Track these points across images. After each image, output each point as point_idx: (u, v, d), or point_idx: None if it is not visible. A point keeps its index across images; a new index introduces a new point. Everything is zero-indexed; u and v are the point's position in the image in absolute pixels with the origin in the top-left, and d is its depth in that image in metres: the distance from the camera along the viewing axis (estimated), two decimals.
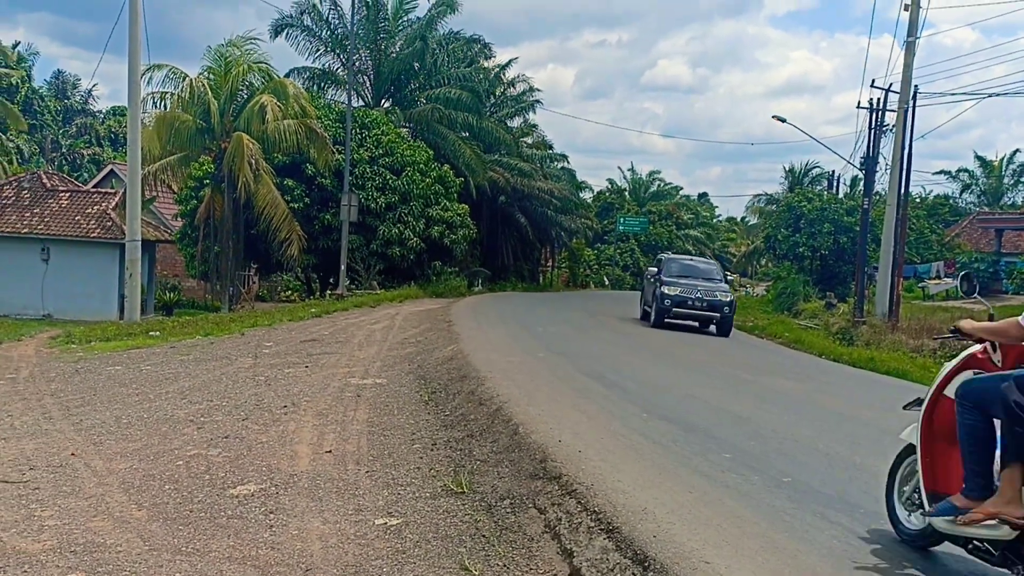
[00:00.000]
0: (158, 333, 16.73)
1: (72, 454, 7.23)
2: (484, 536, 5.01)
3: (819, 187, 51.23)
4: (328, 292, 29.33)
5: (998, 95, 33.28)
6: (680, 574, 3.88)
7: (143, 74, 22.89)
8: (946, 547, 4.53)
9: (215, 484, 6.24)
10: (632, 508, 4.78)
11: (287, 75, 33.02)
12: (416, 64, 36.15)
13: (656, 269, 21.68)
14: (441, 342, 13.45)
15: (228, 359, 12.76)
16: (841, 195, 42.96)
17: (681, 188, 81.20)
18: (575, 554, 4.42)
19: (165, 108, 26.05)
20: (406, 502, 5.73)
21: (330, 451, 7.15)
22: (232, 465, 6.75)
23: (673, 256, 26.14)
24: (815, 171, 57.38)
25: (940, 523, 4.16)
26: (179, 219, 31.92)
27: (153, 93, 25.85)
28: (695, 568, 3.94)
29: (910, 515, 4.69)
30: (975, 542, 4.05)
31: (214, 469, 6.64)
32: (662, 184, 75.56)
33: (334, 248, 28.81)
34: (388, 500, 5.79)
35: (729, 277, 24.74)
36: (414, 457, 6.90)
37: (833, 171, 49.29)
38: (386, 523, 5.29)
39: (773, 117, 33.68)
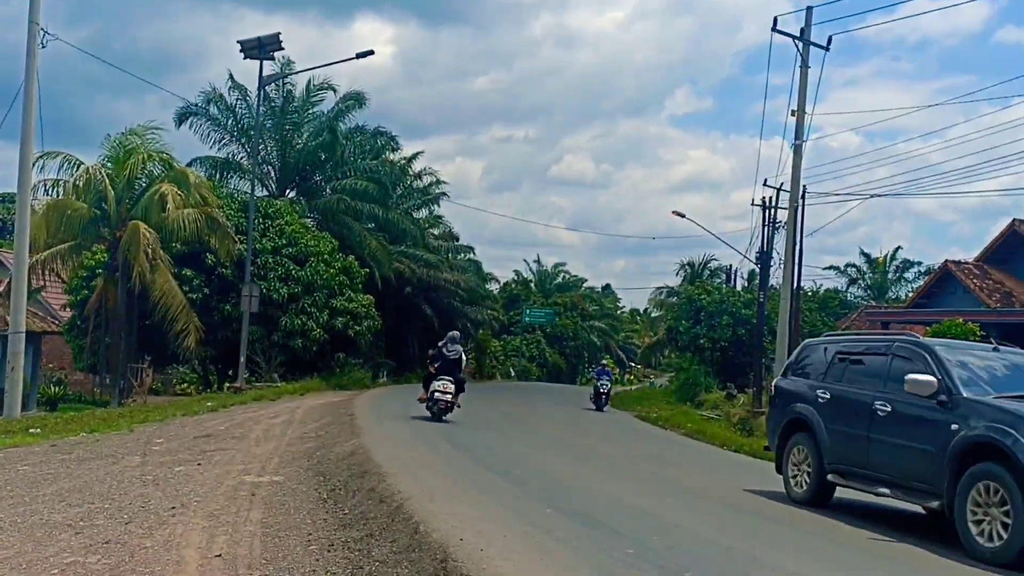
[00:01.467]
0: (39, 430, 15.80)
1: None
2: None
3: (718, 280, 53.01)
4: (227, 385, 28.41)
5: (881, 195, 35.49)
6: None
7: (35, 161, 22.23)
8: None
9: None
10: None
11: (190, 164, 32.66)
12: (322, 155, 36.34)
13: None
14: (342, 436, 13.12)
15: (114, 457, 12.10)
16: (739, 288, 44.54)
17: (586, 280, 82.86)
18: None
19: (58, 195, 25.24)
20: None
21: (220, 555, 6.78)
22: (111, 573, 6.31)
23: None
24: (714, 263, 59.45)
25: None
26: (68, 309, 30.66)
27: (45, 180, 25.07)
28: None
29: None
30: None
31: None
32: (567, 276, 76.98)
33: (233, 339, 28.06)
34: None
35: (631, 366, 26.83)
36: (310, 559, 6.60)
37: (731, 265, 51.19)
38: None
39: (673, 212, 34.99)
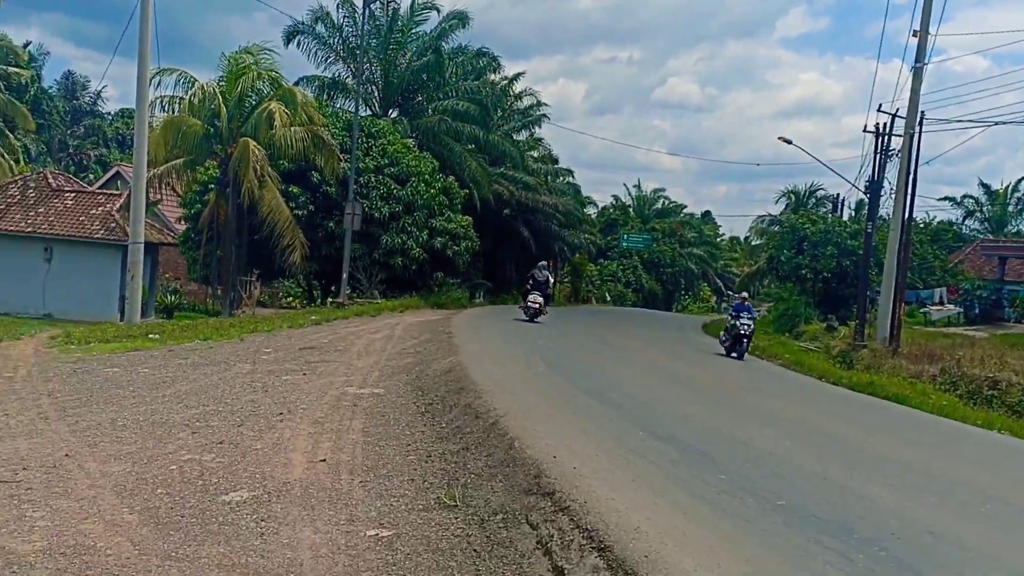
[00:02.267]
0: (157, 336, 16.72)
1: (66, 455, 7.21)
2: (475, 551, 4.98)
3: (823, 209, 51.24)
4: (329, 300, 29.34)
5: (1006, 123, 33.35)
6: None
7: (152, 78, 22.99)
8: None
9: (208, 490, 6.22)
10: (625, 527, 4.75)
11: (296, 83, 33.15)
12: (425, 75, 36.30)
13: None
14: (440, 354, 13.43)
15: (226, 364, 12.74)
16: (845, 218, 42.95)
17: (686, 206, 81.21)
18: (566, 572, 4.40)
19: (174, 112, 26.16)
20: (399, 514, 5.71)
21: (324, 460, 7.13)
22: (225, 471, 6.73)
23: None
24: (820, 192, 57.40)
25: None
26: (183, 222, 31.97)
27: (162, 97, 26.01)
28: None
29: None
30: None
31: (207, 474, 6.62)
32: (667, 202, 75.60)
33: (336, 256, 28.82)
34: (381, 511, 5.76)
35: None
36: (408, 468, 6.87)
37: (838, 194, 49.21)
38: (378, 534, 5.26)
39: (779, 139, 33.77)
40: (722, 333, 21.43)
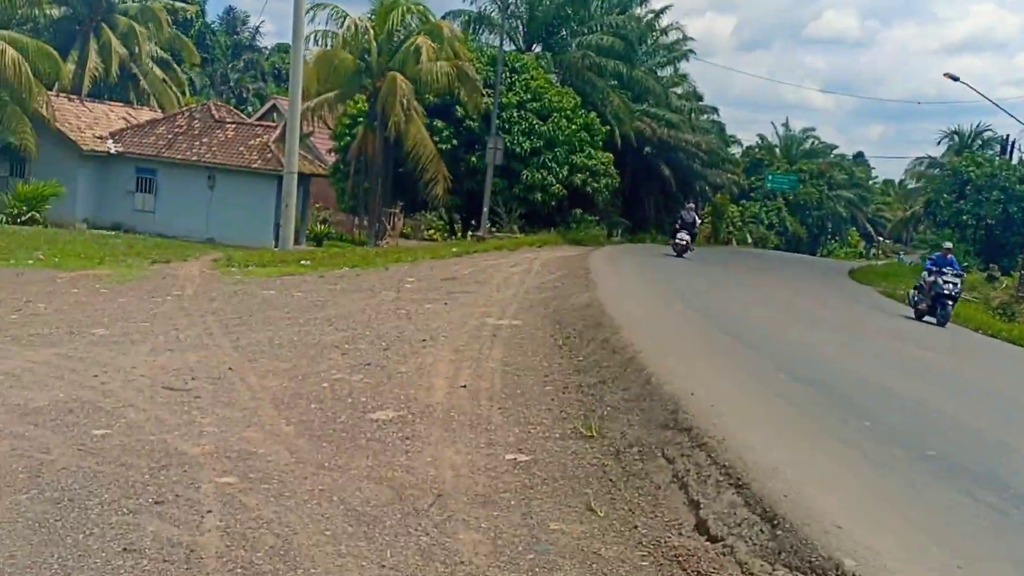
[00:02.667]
0: (309, 262, 17.55)
1: (229, 369, 7.75)
2: (611, 480, 5.07)
3: (990, 152, 47.63)
4: (469, 233, 29.89)
5: None
6: (811, 536, 3.82)
7: (307, 12, 23.68)
8: None
9: (357, 407, 6.56)
10: (763, 466, 4.71)
11: (443, 17, 33.42)
12: (569, 10, 35.79)
13: None
14: (578, 289, 13.49)
15: (372, 291, 13.26)
16: (1015, 161, 39.79)
17: (836, 147, 77.32)
18: (702, 506, 4.42)
19: (327, 46, 26.98)
20: (536, 441, 5.86)
21: (465, 386, 7.36)
22: (373, 391, 7.07)
23: None
24: (987, 134, 53.29)
25: None
26: (333, 154, 33.11)
27: (316, 31, 26.82)
28: (827, 531, 3.87)
29: None
30: None
31: (356, 393, 6.97)
32: (816, 142, 72.12)
33: (477, 190, 29.23)
34: (518, 437, 5.93)
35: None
36: (546, 398, 7.01)
37: (1007, 136, 45.53)
38: (515, 459, 5.43)
39: (945, 75, 31.50)
40: (912, 292, 17.69)
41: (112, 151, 30.14)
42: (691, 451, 5.11)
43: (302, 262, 17.59)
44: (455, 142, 29.28)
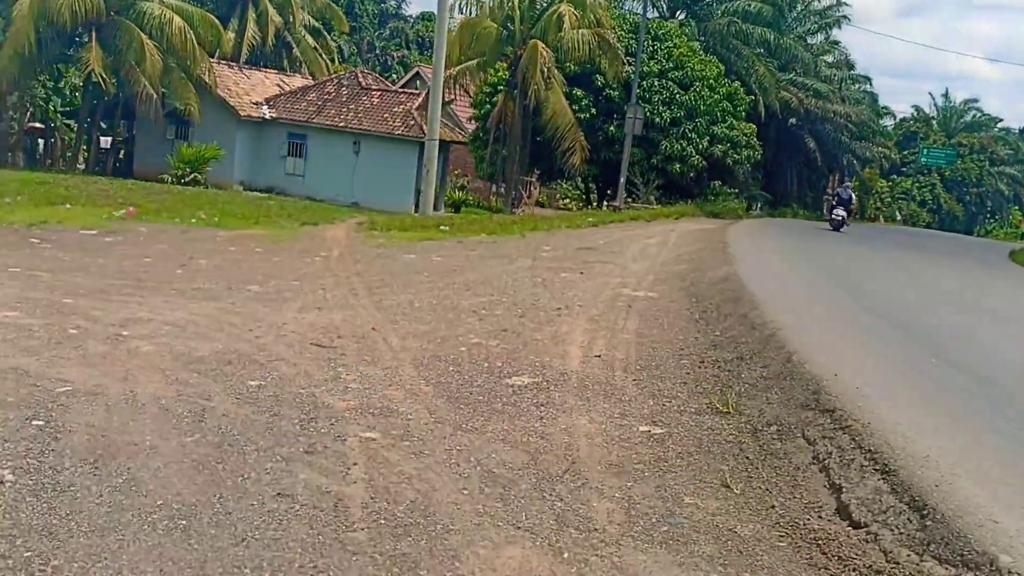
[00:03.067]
0: (448, 228, 17.93)
1: (372, 328, 8.06)
2: (748, 458, 4.98)
3: None
4: (605, 203, 29.76)
5: None
6: (964, 529, 3.65)
7: None
8: None
9: (493, 372, 6.70)
10: (912, 453, 4.52)
11: None
12: None
13: None
14: (715, 262, 13.24)
15: (509, 259, 13.43)
16: None
17: (1001, 120, 71.89)
18: (844, 490, 4.29)
19: (471, 14, 27.27)
20: (670, 414, 5.82)
21: (600, 355, 7.38)
22: (509, 357, 7.19)
23: None
24: None
25: None
26: (473, 122, 33.56)
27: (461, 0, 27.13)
28: (981, 525, 3.69)
29: None
30: None
31: (492, 358, 7.11)
32: (978, 114, 67.40)
33: (615, 160, 29.00)
34: (653, 409, 5.91)
35: None
36: (681, 372, 6.95)
37: None
38: (650, 431, 5.42)
39: None
40: None
41: (267, 116, 31.63)
42: (833, 433, 4.95)
43: (441, 228, 17.99)
44: (594, 111, 29.09)
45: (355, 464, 4.52)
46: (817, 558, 3.69)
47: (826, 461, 4.66)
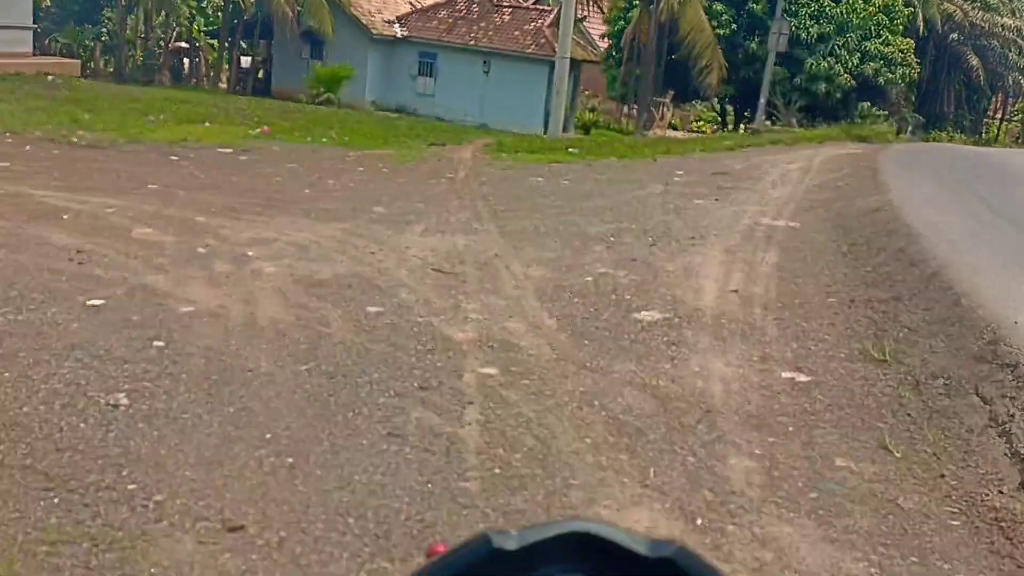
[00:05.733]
0: (576, 150, 17.36)
1: (495, 255, 7.76)
2: (909, 415, 4.42)
3: None
4: (742, 126, 28.30)
5: None
6: None
7: None
8: None
9: (620, 305, 6.28)
10: None
11: None
12: None
13: None
14: (864, 191, 12.20)
15: (639, 183, 12.82)
16: None
17: None
18: None
19: None
20: (817, 360, 5.27)
21: (736, 291, 6.84)
22: (638, 289, 6.74)
23: None
24: None
25: None
26: (605, 40, 32.37)
27: None
28: None
29: None
30: None
31: (620, 290, 6.68)
32: None
33: (754, 80, 27.32)
34: (797, 354, 5.36)
35: None
36: (828, 312, 6.33)
37: None
38: (794, 378, 4.91)
39: None
40: None
41: (398, 35, 31.46)
42: (1016, 392, 4.31)
43: (570, 150, 17.43)
44: (734, 27, 27.42)
45: (471, 403, 4.24)
46: (1000, 544, 3.17)
47: (1007, 425, 4.05)
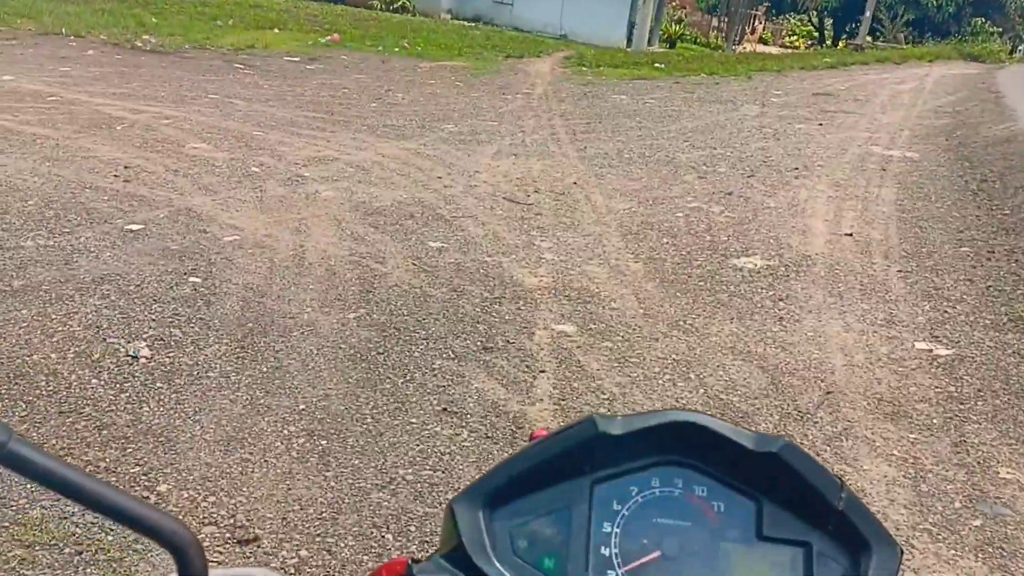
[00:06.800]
0: (663, 66, 16.18)
1: (574, 183, 6.99)
2: None
3: None
4: (842, 41, 26.35)
5: None
6: None
7: None
8: None
9: (716, 249, 5.49)
10: None
11: None
12: None
13: None
14: (988, 117, 10.92)
15: (732, 104, 11.75)
16: None
17: None
18: None
19: None
20: (957, 326, 4.42)
21: (850, 234, 5.96)
22: (735, 229, 5.92)
23: None
24: None
25: None
26: None
27: None
28: None
29: None
30: None
31: (715, 230, 5.88)
32: None
33: None
34: (931, 318, 4.52)
35: None
36: (963, 264, 5.41)
37: None
38: (932, 351, 4.09)
39: None
40: None
41: None
42: None
43: (656, 65, 16.27)
44: None
45: (542, 372, 3.57)
46: None
47: None
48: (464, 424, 3.09)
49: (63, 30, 12.93)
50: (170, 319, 3.86)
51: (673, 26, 33.18)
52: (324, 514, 2.53)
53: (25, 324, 3.76)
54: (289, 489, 2.64)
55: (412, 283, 4.54)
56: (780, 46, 33.72)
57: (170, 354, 3.54)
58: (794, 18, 35.11)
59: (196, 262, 4.65)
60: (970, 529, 2.68)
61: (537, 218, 5.96)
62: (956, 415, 3.45)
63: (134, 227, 5.14)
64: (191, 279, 4.39)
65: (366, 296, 4.32)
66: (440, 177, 6.89)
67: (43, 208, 5.34)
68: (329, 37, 16.09)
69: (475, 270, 4.81)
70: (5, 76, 9.59)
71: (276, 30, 16.54)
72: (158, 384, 3.29)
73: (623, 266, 5.06)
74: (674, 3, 36.78)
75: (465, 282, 4.60)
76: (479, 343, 3.81)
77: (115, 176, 6.18)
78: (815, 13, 29.70)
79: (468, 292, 4.45)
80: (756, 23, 35.71)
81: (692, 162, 7.95)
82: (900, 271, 5.21)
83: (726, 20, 27.55)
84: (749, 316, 4.38)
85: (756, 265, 5.19)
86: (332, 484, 2.68)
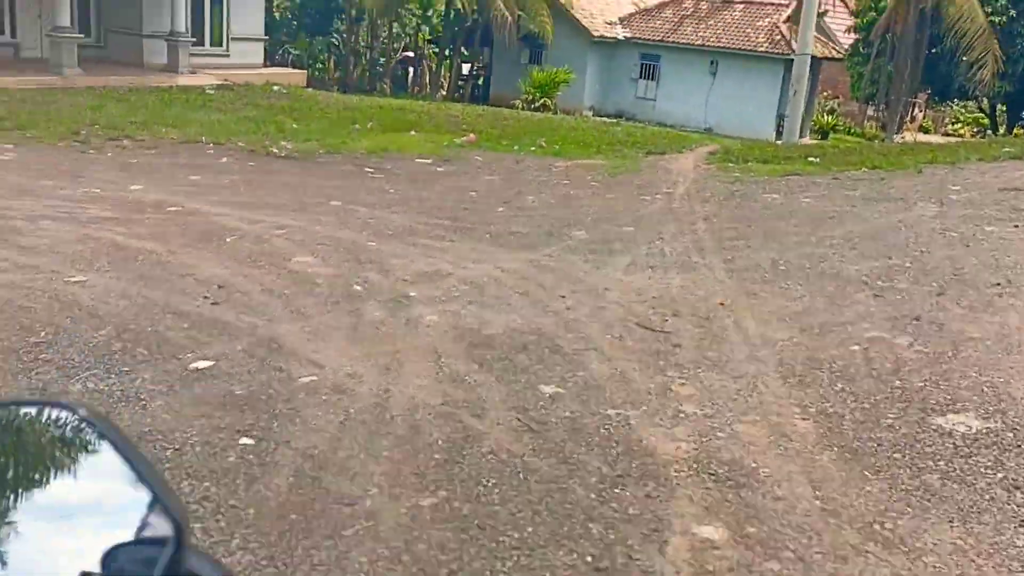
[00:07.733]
0: (817, 160, 14.89)
1: (720, 304, 5.90)
2: None
3: None
4: (1017, 128, 24.14)
5: None
6: None
7: None
8: None
9: (910, 400, 4.24)
10: None
11: None
12: None
13: None
14: None
15: (904, 202, 10.34)
16: None
17: None
18: None
19: None
20: None
21: None
22: (932, 370, 4.64)
23: None
24: None
25: None
26: (850, 35, 29.02)
27: None
28: None
29: None
30: None
31: (905, 371, 4.62)
32: None
33: None
34: None
35: None
36: None
37: None
38: None
39: None
40: None
41: (619, 36, 29.86)
42: None
43: (809, 159, 14.99)
44: (1012, 13, 23.44)
45: None
46: None
47: None
48: None
49: (203, 138, 13.09)
50: (195, 507, 3.03)
51: (825, 117, 31.66)
52: None
53: None
54: None
55: (512, 450, 3.57)
56: (943, 135, 31.59)
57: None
58: (956, 105, 32.95)
59: (257, 415, 3.87)
60: None
61: (675, 352, 4.90)
62: None
63: (202, 364, 4.45)
64: (243, 440, 3.60)
65: (451, 470, 3.38)
66: (564, 296, 5.97)
67: (112, 339, 4.75)
68: (464, 138, 15.79)
69: (594, 430, 3.79)
70: (134, 186, 9.51)
71: (412, 132, 16.42)
72: None
73: (787, 426, 3.91)
74: (826, 93, 35.27)
75: (580, 449, 3.59)
76: (590, 558, 2.76)
77: (204, 298, 5.59)
78: (987, 99, 27.53)
79: (583, 465, 3.44)
80: (916, 111, 33.74)
81: (864, 275, 6.69)
82: None
83: (884, 108, 25.86)
84: (976, 517, 3.13)
85: (971, 428, 3.91)
86: None
